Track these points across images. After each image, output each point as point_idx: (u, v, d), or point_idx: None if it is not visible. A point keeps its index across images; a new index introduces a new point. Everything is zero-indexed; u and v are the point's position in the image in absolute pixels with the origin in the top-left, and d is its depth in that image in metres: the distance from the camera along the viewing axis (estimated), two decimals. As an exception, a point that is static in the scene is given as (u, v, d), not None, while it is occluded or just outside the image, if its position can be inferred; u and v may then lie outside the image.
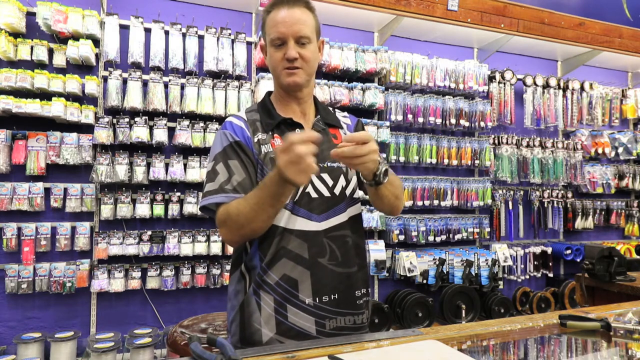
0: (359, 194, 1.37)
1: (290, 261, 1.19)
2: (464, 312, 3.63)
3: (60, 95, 2.94)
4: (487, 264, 3.84)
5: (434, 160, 3.86)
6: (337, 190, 1.26)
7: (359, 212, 1.34)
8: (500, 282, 3.90)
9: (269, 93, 1.37)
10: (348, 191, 1.29)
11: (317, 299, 1.19)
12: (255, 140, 1.24)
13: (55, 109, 2.86)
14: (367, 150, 1.05)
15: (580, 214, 4.52)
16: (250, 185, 1.19)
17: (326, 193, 1.24)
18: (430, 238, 3.80)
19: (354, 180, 1.34)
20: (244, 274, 1.24)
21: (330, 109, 1.42)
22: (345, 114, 1.46)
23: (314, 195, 1.22)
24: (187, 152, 3.24)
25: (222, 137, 1.25)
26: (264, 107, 1.31)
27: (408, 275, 3.64)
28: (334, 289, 1.21)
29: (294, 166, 0.97)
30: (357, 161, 1.06)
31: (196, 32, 3.28)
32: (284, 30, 1.19)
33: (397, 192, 1.29)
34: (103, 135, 2.98)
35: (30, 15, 2.98)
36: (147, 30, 3.18)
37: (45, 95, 2.93)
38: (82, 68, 3.11)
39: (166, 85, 3.18)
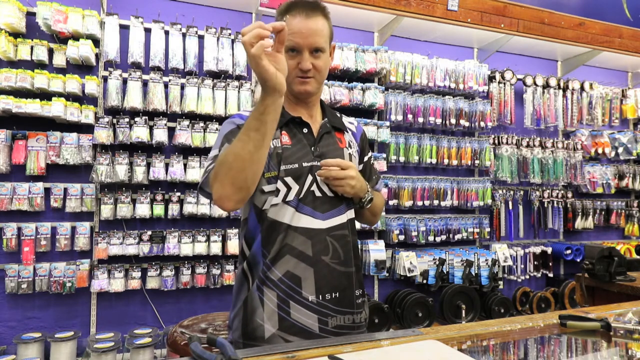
0: None
1: (294, 258, 1.20)
2: (464, 312, 3.63)
3: (60, 95, 2.94)
4: (487, 264, 3.84)
5: (434, 160, 3.86)
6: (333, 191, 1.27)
7: (353, 216, 1.36)
8: (500, 282, 3.90)
9: None
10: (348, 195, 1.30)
11: (320, 296, 1.20)
12: None
13: (55, 109, 2.86)
14: (343, 175, 1.21)
15: (580, 214, 4.52)
16: None
17: (329, 192, 1.26)
18: (430, 238, 3.80)
19: None
20: (246, 271, 1.25)
21: (337, 113, 1.44)
22: (352, 120, 1.48)
23: (317, 194, 1.24)
24: (187, 152, 3.24)
25: (229, 123, 1.24)
26: None
27: (408, 275, 3.64)
28: (336, 287, 1.23)
29: (250, 45, 0.94)
30: (335, 182, 1.22)
31: (196, 32, 3.28)
32: (299, 41, 1.19)
33: (375, 211, 1.41)
34: (103, 135, 2.98)
35: (30, 15, 2.98)
36: (147, 30, 3.18)
37: (45, 95, 2.93)
38: (82, 68, 3.11)
39: (166, 85, 3.18)
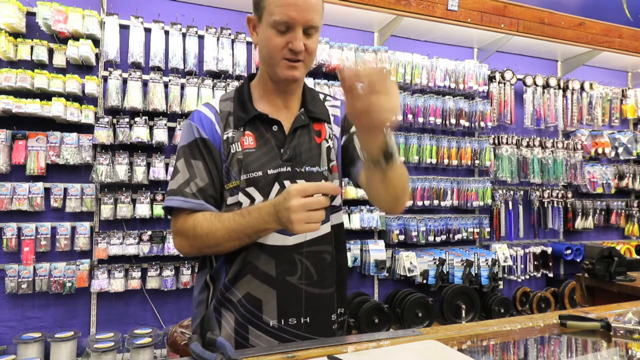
0: (339, 201, 1.21)
1: (256, 279, 1.08)
2: (464, 312, 3.63)
3: (60, 95, 2.94)
4: (487, 264, 3.84)
5: (434, 160, 3.86)
6: None
7: (338, 223, 1.19)
8: (500, 282, 3.90)
9: (250, 77, 1.21)
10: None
11: (282, 321, 1.08)
12: (225, 137, 1.10)
13: (55, 109, 2.86)
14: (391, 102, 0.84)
15: (580, 214, 4.52)
16: (212, 192, 1.09)
17: None
18: (430, 238, 3.80)
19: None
20: (209, 284, 1.14)
21: (322, 96, 1.26)
22: (337, 102, 1.26)
23: None
24: (187, 152, 3.24)
25: (189, 130, 1.12)
26: (240, 98, 1.16)
27: (408, 275, 3.64)
28: (306, 312, 1.10)
29: (305, 214, 0.91)
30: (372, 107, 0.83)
31: (196, 32, 3.28)
32: (294, 15, 1.01)
33: (404, 180, 1.06)
34: (103, 135, 2.98)
35: (30, 15, 2.98)
36: (147, 30, 3.18)
37: (45, 95, 2.93)
38: (82, 68, 3.11)
39: (166, 85, 3.18)
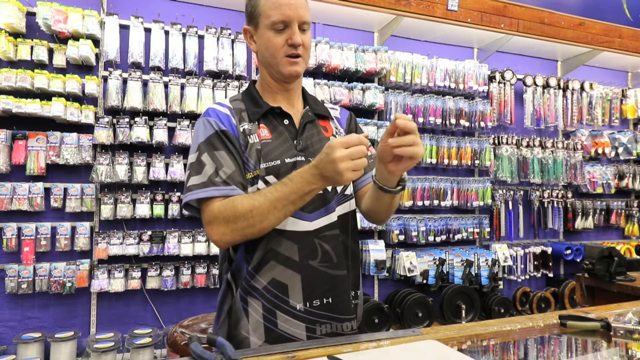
0: (351, 190, 1.28)
1: (280, 264, 1.11)
2: (464, 312, 3.63)
3: (60, 95, 2.94)
4: (487, 264, 3.84)
5: (434, 160, 3.86)
6: (328, 187, 1.17)
7: (351, 210, 1.25)
8: (500, 282, 3.90)
9: (253, 82, 1.30)
10: (339, 187, 1.21)
11: (307, 303, 1.12)
12: (241, 130, 1.16)
13: (55, 109, 2.86)
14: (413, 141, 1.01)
15: (580, 214, 4.52)
16: (241, 178, 1.11)
17: None
18: (430, 238, 3.80)
19: None
20: (230, 282, 1.17)
21: (320, 100, 1.36)
22: (335, 107, 1.38)
23: None
24: (187, 152, 3.24)
25: (206, 125, 1.15)
26: (250, 96, 1.24)
27: (408, 275, 3.64)
28: (326, 293, 1.15)
29: (351, 163, 0.96)
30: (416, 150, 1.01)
31: (196, 32, 3.28)
32: (289, 13, 1.12)
33: (398, 203, 1.25)
34: (103, 135, 2.98)
35: (30, 15, 2.98)
36: (147, 30, 3.18)
37: (45, 95, 2.93)
38: (82, 68, 3.11)
39: (166, 85, 3.18)
